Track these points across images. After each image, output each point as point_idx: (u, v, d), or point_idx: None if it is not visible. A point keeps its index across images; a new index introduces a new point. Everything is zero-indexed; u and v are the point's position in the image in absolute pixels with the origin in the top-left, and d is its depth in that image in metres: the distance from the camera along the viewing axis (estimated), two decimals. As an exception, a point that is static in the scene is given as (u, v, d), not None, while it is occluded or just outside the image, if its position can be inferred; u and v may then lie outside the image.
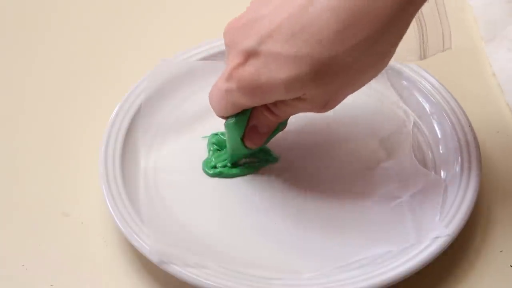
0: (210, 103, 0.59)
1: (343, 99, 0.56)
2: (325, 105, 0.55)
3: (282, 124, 0.60)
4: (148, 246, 0.56)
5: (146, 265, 0.58)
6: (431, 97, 0.66)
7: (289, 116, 0.60)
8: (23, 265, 0.59)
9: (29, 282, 0.58)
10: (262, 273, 0.56)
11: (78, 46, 0.75)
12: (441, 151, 0.63)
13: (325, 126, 0.65)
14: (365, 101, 0.66)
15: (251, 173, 0.63)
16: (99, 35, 0.77)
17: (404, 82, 0.67)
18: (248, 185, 0.62)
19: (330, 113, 0.64)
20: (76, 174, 0.64)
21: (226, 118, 0.60)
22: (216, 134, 0.65)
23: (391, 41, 0.53)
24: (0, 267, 0.59)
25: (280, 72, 0.53)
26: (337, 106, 0.63)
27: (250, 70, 0.54)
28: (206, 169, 0.63)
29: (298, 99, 0.55)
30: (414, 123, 0.65)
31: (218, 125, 0.65)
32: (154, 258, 0.56)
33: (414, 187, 0.61)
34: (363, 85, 0.55)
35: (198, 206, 0.60)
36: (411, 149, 0.63)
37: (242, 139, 0.60)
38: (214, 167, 0.63)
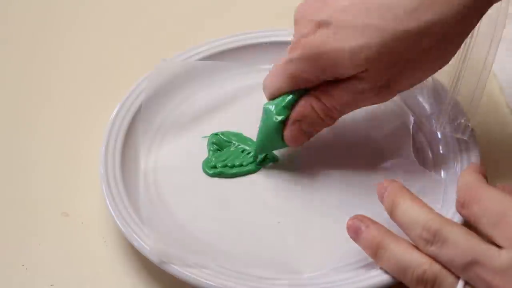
0: (264, 84, 0.59)
1: (401, 87, 0.56)
2: (384, 89, 0.55)
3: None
4: (148, 246, 0.56)
5: (146, 265, 0.58)
6: (431, 97, 0.66)
7: (336, 116, 0.58)
8: (23, 265, 0.59)
9: (29, 282, 0.58)
10: (262, 273, 0.56)
11: (78, 46, 0.76)
12: (441, 151, 0.63)
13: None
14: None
15: (251, 173, 0.63)
16: (99, 35, 0.77)
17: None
18: (248, 185, 0.62)
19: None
20: (76, 174, 0.64)
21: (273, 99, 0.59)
22: (216, 134, 0.65)
23: (460, 32, 0.54)
24: (0, 267, 0.59)
25: (348, 41, 0.53)
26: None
27: (318, 38, 0.54)
28: (206, 169, 0.63)
29: (358, 78, 0.55)
30: (414, 123, 0.65)
31: (218, 125, 0.65)
32: (154, 258, 0.56)
33: (414, 187, 0.61)
34: (425, 77, 0.56)
35: (198, 206, 0.60)
36: (411, 149, 0.63)
37: (282, 131, 0.59)
38: (214, 167, 0.63)
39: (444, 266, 0.51)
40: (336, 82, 0.56)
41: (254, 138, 0.64)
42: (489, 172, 0.63)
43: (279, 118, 0.59)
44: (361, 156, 0.63)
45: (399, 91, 0.57)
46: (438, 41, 0.54)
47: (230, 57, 0.69)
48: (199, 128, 0.66)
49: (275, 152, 0.64)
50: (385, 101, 0.57)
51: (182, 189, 0.62)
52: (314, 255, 0.57)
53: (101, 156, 0.61)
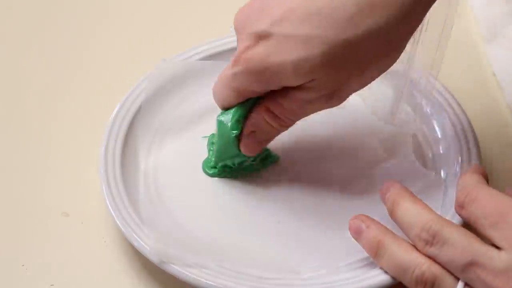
0: (213, 94, 0.59)
1: (350, 92, 0.55)
2: (333, 96, 0.55)
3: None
4: (148, 246, 0.56)
5: (146, 265, 0.58)
6: (431, 97, 0.66)
7: (290, 123, 0.58)
8: (23, 265, 0.59)
9: (29, 282, 0.58)
10: (262, 273, 0.56)
11: (78, 46, 0.75)
12: (441, 151, 0.63)
13: (325, 126, 0.65)
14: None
15: (251, 173, 0.63)
16: (99, 35, 0.77)
17: (404, 82, 0.67)
18: (248, 185, 0.62)
19: (330, 113, 0.64)
20: (76, 174, 0.64)
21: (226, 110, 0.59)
22: (216, 134, 0.65)
23: (404, 33, 0.53)
24: (0, 267, 0.59)
25: (290, 53, 0.52)
26: (336, 107, 0.64)
27: (260, 51, 0.53)
28: (206, 169, 0.63)
29: (305, 88, 0.54)
30: (414, 122, 0.64)
31: (218, 125, 0.65)
32: (154, 258, 0.56)
33: (414, 187, 0.61)
34: (371, 79, 0.55)
35: (198, 206, 0.60)
36: (411, 149, 0.63)
37: (238, 141, 0.59)
38: (214, 167, 0.63)
39: (443, 267, 0.51)
40: (285, 90, 0.55)
41: (254, 138, 0.65)
42: (489, 172, 0.63)
43: (234, 133, 0.59)
44: (361, 156, 0.63)
45: (347, 96, 0.56)
46: (382, 44, 0.53)
47: (230, 57, 0.69)
48: (199, 128, 0.65)
49: (275, 151, 0.63)
50: (335, 106, 0.56)
51: (182, 189, 0.61)
52: (314, 255, 0.57)
53: (101, 156, 0.61)
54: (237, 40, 0.56)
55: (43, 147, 0.67)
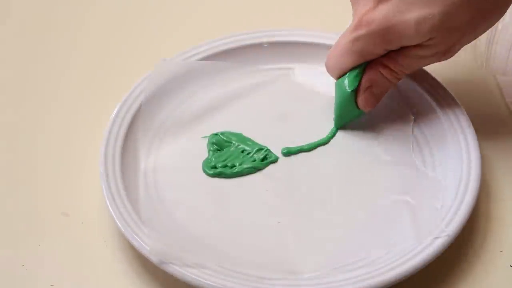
0: (327, 65, 0.62)
1: (461, 47, 0.59)
2: (446, 52, 0.58)
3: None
4: (148, 246, 0.56)
5: (146, 265, 0.58)
6: (431, 97, 0.66)
7: (402, 76, 0.61)
8: (23, 265, 0.59)
9: (29, 282, 0.58)
10: (262, 273, 0.56)
11: (78, 46, 0.76)
12: (441, 151, 0.63)
13: (325, 126, 0.65)
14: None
15: (251, 173, 0.63)
16: (99, 35, 0.77)
17: (404, 82, 0.67)
18: (248, 185, 0.62)
19: (330, 113, 0.64)
20: (76, 174, 0.64)
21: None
22: (216, 134, 0.65)
23: None
24: (0, 267, 0.59)
25: (411, 12, 0.56)
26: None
27: (381, 13, 0.57)
28: (206, 169, 0.63)
29: (422, 46, 0.57)
30: (414, 122, 0.65)
31: (218, 125, 0.65)
32: (154, 258, 0.56)
33: (414, 187, 0.61)
34: (481, 33, 0.59)
35: (198, 206, 0.60)
36: (411, 149, 0.63)
37: (355, 100, 0.62)
38: (214, 167, 0.63)
39: None
40: (401, 48, 0.59)
41: (254, 138, 0.65)
42: (489, 173, 0.63)
43: (350, 88, 0.61)
44: (361, 156, 0.63)
45: (458, 50, 0.59)
46: (493, 1, 0.56)
47: (230, 57, 0.69)
48: (199, 128, 0.66)
49: (275, 152, 0.64)
50: (447, 59, 0.60)
51: (182, 189, 0.61)
52: (314, 255, 0.57)
53: (101, 156, 0.61)
54: (353, 6, 0.59)
55: (43, 147, 0.67)
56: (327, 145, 0.64)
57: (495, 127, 0.67)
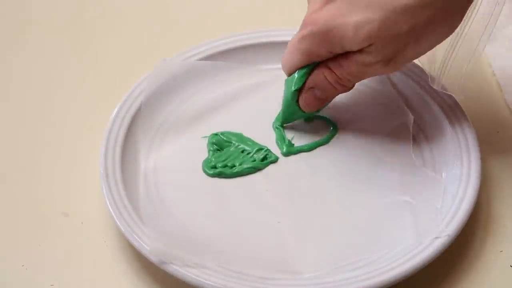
0: (282, 62, 0.62)
1: (408, 59, 0.58)
2: (389, 62, 0.57)
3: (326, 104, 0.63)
4: (148, 246, 0.56)
5: (146, 265, 0.58)
6: (430, 97, 0.66)
7: (348, 84, 0.60)
8: (23, 265, 0.59)
9: (29, 282, 0.58)
10: (262, 273, 0.56)
11: (78, 46, 0.76)
12: (441, 151, 0.63)
13: (325, 126, 0.65)
14: (365, 101, 0.66)
15: (251, 173, 0.63)
16: (99, 35, 0.77)
17: (404, 82, 0.67)
18: (248, 185, 0.62)
19: (330, 113, 0.64)
20: (76, 174, 0.64)
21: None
22: (216, 134, 0.65)
23: (461, 4, 0.55)
24: (0, 267, 0.59)
25: (351, 16, 0.55)
26: (337, 106, 0.64)
27: (325, 14, 0.57)
28: (206, 169, 0.63)
29: (363, 52, 0.57)
30: (414, 122, 0.65)
31: (218, 125, 0.65)
32: (154, 258, 0.56)
33: (414, 187, 0.61)
34: (427, 48, 0.57)
35: (198, 206, 0.60)
36: (411, 149, 0.63)
37: (297, 99, 0.62)
38: (214, 167, 0.63)
39: None
40: (346, 53, 0.58)
41: (254, 138, 0.65)
42: (489, 173, 0.63)
43: (294, 87, 0.61)
44: (361, 156, 0.63)
45: (404, 63, 0.59)
46: (438, 14, 0.55)
47: (230, 57, 0.69)
48: (199, 128, 0.66)
49: (275, 152, 0.64)
50: (393, 71, 0.60)
51: (182, 189, 0.61)
52: (314, 255, 0.57)
53: (101, 156, 0.61)
54: (308, 4, 0.59)
55: (43, 147, 0.67)
56: (327, 145, 0.64)
57: (495, 127, 0.67)
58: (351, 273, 0.56)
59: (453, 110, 0.64)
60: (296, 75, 0.61)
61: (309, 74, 0.61)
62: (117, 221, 0.58)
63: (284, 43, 0.69)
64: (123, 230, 0.57)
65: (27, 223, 0.62)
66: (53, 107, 0.70)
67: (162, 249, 0.56)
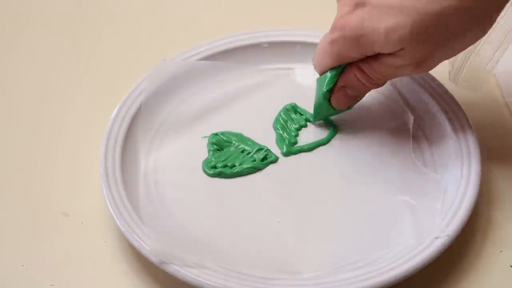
0: (313, 62, 0.62)
1: (438, 61, 0.58)
2: (420, 64, 0.57)
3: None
4: (148, 246, 0.56)
5: (146, 265, 0.58)
6: (431, 97, 0.66)
7: (380, 82, 0.61)
8: (23, 265, 0.59)
9: (29, 282, 0.58)
10: (262, 273, 0.56)
11: (78, 46, 0.76)
12: (441, 151, 0.63)
13: (325, 126, 0.65)
14: (365, 101, 0.66)
15: (251, 173, 0.63)
16: (99, 35, 0.77)
17: (404, 82, 0.67)
18: (248, 185, 0.62)
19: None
20: (76, 174, 0.64)
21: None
22: (216, 134, 0.65)
23: (491, 10, 0.55)
24: (0, 267, 0.59)
25: (383, 21, 0.55)
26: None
27: (355, 18, 0.56)
28: (206, 169, 0.63)
29: (395, 55, 0.57)
30: (414, 122, 0.65)
31: (218, 125, 0.65)
32: (154, 258, 0.56)
33: (414, 187, 0.61)
34: (457, 51, 0.57)
35: (198, 206, 0.60)
36: (411, 149, 0.63)
37: (329, 97, 0.62)
38: (214, 167, 0.63)
39: None
40: (377, 55, 0.58)
41: (254, 138, 0.65)
42: (489, 173, 0.63)
43: (326, 88, 0.62)
44: (361, 156, 0.63)
45: (435, 65, 0.58)
46: (468, 20, 0.55)
47: (230, 57, 0.69)
48: (199, 128, 0.66)
49: (275, 152, 0.64)
50: (424, 72, 0.60)
51: (182, 189, 0.61)
52: (314, 255, 0.57)
53: (101, 156, 0.61)
54: (337, 7, 0.59)
55: (43, 147, 0.67)
56: (327, 145, 0.64)
57: (495, 127, 0.67)
58: (351, 273, 0.56)
59: (453, 110, 0.64)
60: (328, 75, 0.61)
61: (340, 74, 0.61)
62: (117, 221, 0.58)
63: (283, 43, 0.69)
64: (123, 230, 0.57)
65: (27, 223, 0.62)
66: (53, 107, 0.70)
67: (162, 249, 0.56)
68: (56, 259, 0.60)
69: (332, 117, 0.66)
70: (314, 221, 0.59)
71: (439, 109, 0.65)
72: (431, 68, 0.59)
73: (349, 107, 0.64)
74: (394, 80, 0.67)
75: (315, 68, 0.62)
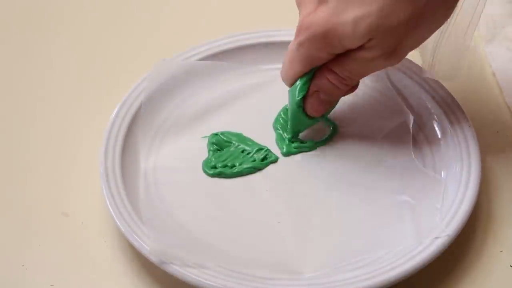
0: (281, 74, 0.61)
1: (408, 49, 0.57)
2: (390, 55, 0.56)
3: (333, 105, 0.62)
4: (148, 246, 0.56)
5: (146, 265, 0.58)
6: (430, 97, 0.66)
7: (351, 83, 0.60)
8: (23, 265, 0.59)
9: (29, 282, 0.58)
10: (262, 273, 0.56)
11: (78, 46, 0.75)
12: (441, 151, 0.63)
13: (325, 126, 0.65)
14: (365, 101, 0.66)
15: (251, 173, 0.63)
16: (99, 35, 0.77)
17: (404, 82, 0.67)
18: (248, 185, 0.62)
19: (330, 113, 0.64)
20: (76, 174, 0.64)
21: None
22: (216, 134, 0.65)
23: None
24: (0, 267, 0.59)
25: (348, 12, 0.54)
26: (336, 106, 0.64)
27: (321, 14, 0.56)
28: (206, 169, 0.63)
29: (364, 47, 0.56)
30: (414, 122, 0.65)
31: (218, 125, 0.65)
32: (154, 258, 0.56)
33: (414, 187, 0.61)
34: (428, 34, 0.56)
35: (198, 206, 0.60)
36: (411, 149, 0.63)
37: (303, 106, 0.61)
38: (214, 167, 0.63)
39: None
40: (346, 52, 0.57)
41: (254, 138, 0.65)
42: (489, 173, 0.63)
43: (299, 96, 0.60)
44: (361, 156, 0.63)
45: (406, 54, 0.58)
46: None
47: (230, 57, 0.69)
48: (199, 128, 0.66)
49: (275, 152, 0.64)
50: (395, 64, 0.58)
51: (182, 189, 0.61)
52: (314, 255, 0.57)
53: (101, 156, 0.61)
54: (299, 11, 0.58)
55: (43, 147, 0.67)
56: (327, 145, 0.64)
57: (495, 127, 0.67)
58: (351, 273, 0.56)
59: (453, 110, 0.64)
60: (298, 83, 0.60)
61: (311, 79, 0.60)
62: (117, 221, 0.58)
63: (283, 43, 0.69)
64: (123, 230, 0.57)
65: (27, 223, 0.62)
66: (53, 107, 0.70)
67: (162, 249, 0.56)
68: (56, 259, 0.60)
69: (332, 117, 0.65)
70: (314, 221, 0.59)
71: (439, 109, 0.65)
72: (401, 58, 0.58)
73: (324, 116, 0.63)
74: (394, 80, 0.67)
75: (284, 80, 0.61)
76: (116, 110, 0.64)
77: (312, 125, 0.64)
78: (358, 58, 0.57)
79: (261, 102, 0.67)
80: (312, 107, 0.61)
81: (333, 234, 0.59)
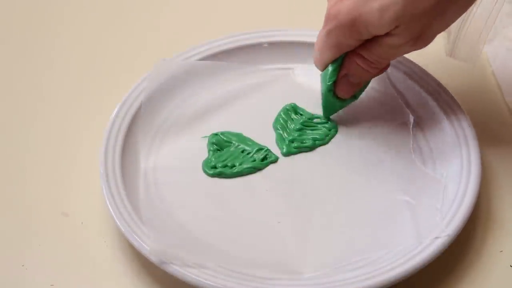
0: (313, 60, 0.62)
1: (434, 35, 0.58)
2: (417, 40, 0.57)
3: (365, 86, 0.64)
4: (148, 246, 0.56)
5: (146, 265, 0.58)
6: (431, 96, 0.66)
7: (380, 66, 0.61)
8: (23, 265, 0.59)
9: (29, 282, 0.58)
10: (262, 273, 0.56)
11: (78, 46, 0.76)
12: (440, 151, 0.63)
13: (325, 126, 0.65)
14: (365, 101, 0.66)
15: (251, 173, 0.63)
16: (99, 35, 0.77)
17: (404, 82, 0.67)
18: (248, 185, 0.62)
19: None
20: (76, 174, 0.64)
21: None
22: (216, 134, 0.65)
23: None
24: (0, 267, 0.59)
25: (374, 1, 0.55)
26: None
27: (346, 4, 0.57)
28: (206, 169, 0.63)
29: (391, 34, 0.57)
30: (414, 122, 0.65)
31: (218, 125, 0.65)
32: (154, 258, 0.56)
33: (413, 187, 0.61)
34: (453, 18, 0.57)
35: (198, 206, 0.60)
36: (411, 149, 0.63)
37: (334, 90, 0.63)
38: (214, 167, 0.63)
39: None
40: (374, 38, 0.58)
41: (254, 138, 0.65)
42: (489, 173, 0.63)
43: (330, 81, 0.62)
44: (360, 156, 0.63)
45: (432, 38, 0.59)
46: None
47: (230, 57, 0.69)
48: (199, 128, 0.66)
49: (275, 152, 0.64)
50: (422, 48, 0.59)
51: (182, 189, 0.61)
52: (314, 255, 0.57)
53: (101, 156, 0.61)
54: (327, 1, 0.59)
55: (43, 147, 0.67)
56: (327, 145, 0.64)
57: (495, 127, 0.67)
58: (351, 273, 0.56)
59: (453, 110, 0.64)
60: (329, 68, 0.62)
61: (341, 65, 0.61)
62: (117, 221, 0.58)
63: (284, 43, 0.69)
64: (123, 230, 0.57)
65: (27, 223, 0.62)
66: (53, 107, 0.70)
67: (162, 249, 0.56)
68: (56, 259, 0.60)
69: (332, 117, 0.66)
70: (314, 221, 0.59)
71: (438, 109, 0.65)
72: (428, 43, 0.58)
73: (355, 96, 0.64)
74: (394, 80, 0.67)
75: (316, 65, 0.63)
76: (116, 110, 0.64)
77: (343, 107, 0.65)
78: (385, 44, 0.58)
79: (261, 102, 0.67)
80: (341, 89, 0.63)
81: (333, 234, 0.59)
